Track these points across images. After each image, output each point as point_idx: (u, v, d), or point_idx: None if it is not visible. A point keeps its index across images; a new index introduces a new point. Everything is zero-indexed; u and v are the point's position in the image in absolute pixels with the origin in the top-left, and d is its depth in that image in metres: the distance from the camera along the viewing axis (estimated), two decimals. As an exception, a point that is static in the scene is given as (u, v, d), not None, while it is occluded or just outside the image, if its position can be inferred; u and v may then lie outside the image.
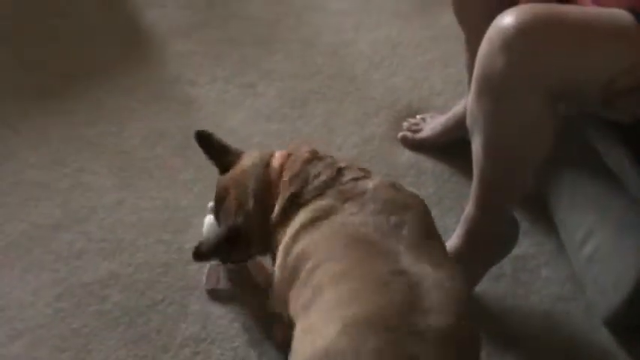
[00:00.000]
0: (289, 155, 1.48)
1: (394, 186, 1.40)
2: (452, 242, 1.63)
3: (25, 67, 2.18)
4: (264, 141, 2.02)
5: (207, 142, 1.57)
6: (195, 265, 1.66)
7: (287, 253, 1.35)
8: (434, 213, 1.39)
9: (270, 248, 1.46)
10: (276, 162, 1.48)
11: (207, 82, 2.16)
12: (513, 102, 1.37)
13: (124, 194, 1.88)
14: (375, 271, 1.22)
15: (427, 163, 1.98)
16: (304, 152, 1.47)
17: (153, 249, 1.75)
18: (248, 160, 1.52)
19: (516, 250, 1.71)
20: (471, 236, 1.61)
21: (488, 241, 1.62)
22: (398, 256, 1.23)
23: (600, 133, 1.64)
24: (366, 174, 1.42)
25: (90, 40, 2.26)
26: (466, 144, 1.51)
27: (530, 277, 1.75)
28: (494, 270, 1.69)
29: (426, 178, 1.94)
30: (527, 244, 1.80)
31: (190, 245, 1.54)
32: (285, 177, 1.44)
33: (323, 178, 1.40)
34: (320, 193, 1.38)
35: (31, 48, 2.23)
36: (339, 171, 1.41)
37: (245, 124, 2.07)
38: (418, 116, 2.07)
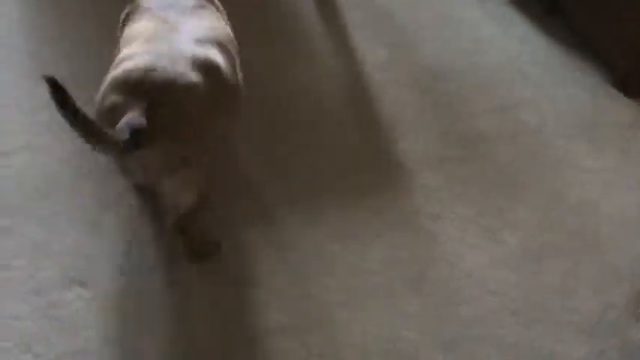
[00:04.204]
0: None
1: None
2: None
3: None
4: (497, 289, 2.00)
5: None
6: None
7: None
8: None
9: None
10: None
11: (450, 219, 2.19)
12: None
13: (346, 313, 1.93)
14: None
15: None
16: None
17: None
18: None
19: None
20: None
21: None
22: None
23: None
24: None
25: (342, 161, 2.37)
26: None
27: None
28: None
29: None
30: None
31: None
32: None
33: None
34: None
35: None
36: None
37: (480, 268, 2.06)
38: (663, 295, 1.97)
